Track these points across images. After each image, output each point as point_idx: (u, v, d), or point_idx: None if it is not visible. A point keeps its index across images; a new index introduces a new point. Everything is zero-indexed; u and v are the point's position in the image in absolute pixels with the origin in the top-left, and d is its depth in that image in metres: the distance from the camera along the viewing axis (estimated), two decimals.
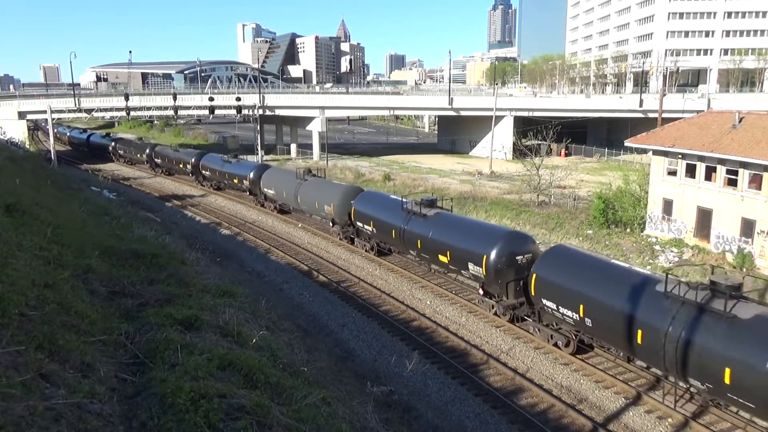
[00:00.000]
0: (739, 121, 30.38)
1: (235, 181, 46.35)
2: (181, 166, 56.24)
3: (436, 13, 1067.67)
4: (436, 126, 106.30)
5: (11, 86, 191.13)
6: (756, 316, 13.98)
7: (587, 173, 59.70)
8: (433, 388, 17.67)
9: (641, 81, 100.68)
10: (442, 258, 24.43)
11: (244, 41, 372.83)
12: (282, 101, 77.31)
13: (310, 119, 75.52)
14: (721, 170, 29.70)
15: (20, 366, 6.30)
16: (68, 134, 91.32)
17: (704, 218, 31.04)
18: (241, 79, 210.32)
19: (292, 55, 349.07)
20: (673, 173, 32.84)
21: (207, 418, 6.56)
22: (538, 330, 20.75)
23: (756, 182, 28.14)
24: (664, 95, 62.03)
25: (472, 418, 16.11)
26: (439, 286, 26.41)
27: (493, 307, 22.69)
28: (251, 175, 43.77)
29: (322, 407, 8.62)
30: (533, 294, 20.06)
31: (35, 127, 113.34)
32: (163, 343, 8.83)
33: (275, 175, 41.60)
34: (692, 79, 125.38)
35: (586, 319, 17.85)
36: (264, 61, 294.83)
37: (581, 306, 17.87)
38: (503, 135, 74.49)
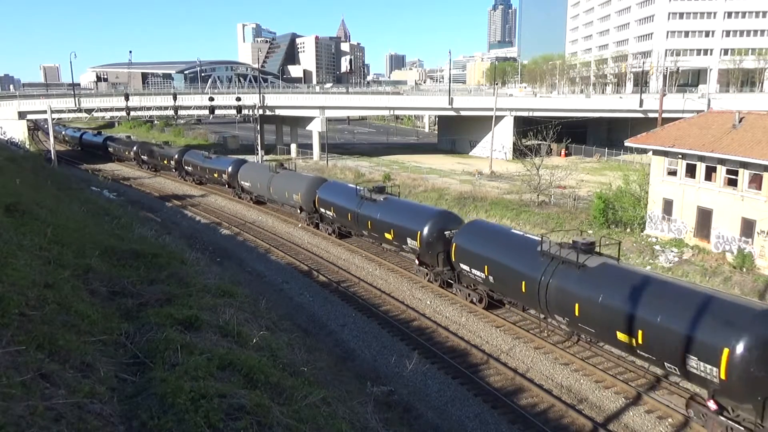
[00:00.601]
0: (739, 121, 30.38)
1: (215, 175, 49.73)
2: (165, 162, 59.44)
3: (436, 13, 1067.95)
4: (436, 126, 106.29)
5: (11, 86, 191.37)
6: (600, 264, 18.25)
7: (587, 173, 59.69)
8: (433, 388, 17.67)
9: (641, 81, 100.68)
10: (387, 235, 28.43)
11: (244, 41, 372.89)
12: (282, 101, 77.31)
13: (310, 119, 75.52)
14: (721, 170, 29.69)
15: (20, 366, 6.31)
16: (63, 132, 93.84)
17: (704, 218, 31.04)
18: (241, 79, 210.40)
19: (292, 55, 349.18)
20: (673, 173, 32.84)
21: (207, 418, 6.56)
22: (459, 290, 24.75)
23: (756, 182, 28.13)
24: (664, 95, 62.03)
25: (472, 418, 16.12)
26: (439, 286, 26.42)
27: (427, 275, 26.67)
28: (229, 169, 47.17)
29: (322, 407, 8.62)
30: (454, 260, 24.03)
31: (35, 127, 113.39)
32: (163, 343, 8.83)
33: (251, 169, 45.14)
34: (692, 79, 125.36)
35: (489, 277, 22.05)
36: (264, 61, 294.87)
37: (486, 266, 22.04)
38: (503, 135, 74.49)
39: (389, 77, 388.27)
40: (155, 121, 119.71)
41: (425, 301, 25.03)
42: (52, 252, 12.38)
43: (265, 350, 10.59)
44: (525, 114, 76.58)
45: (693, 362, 14.41)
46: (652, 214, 34.35)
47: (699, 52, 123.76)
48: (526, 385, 17.84)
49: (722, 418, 14.61)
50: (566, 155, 73.85)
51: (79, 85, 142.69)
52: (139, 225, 27.21)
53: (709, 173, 30.50)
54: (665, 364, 15.58)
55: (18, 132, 69.61)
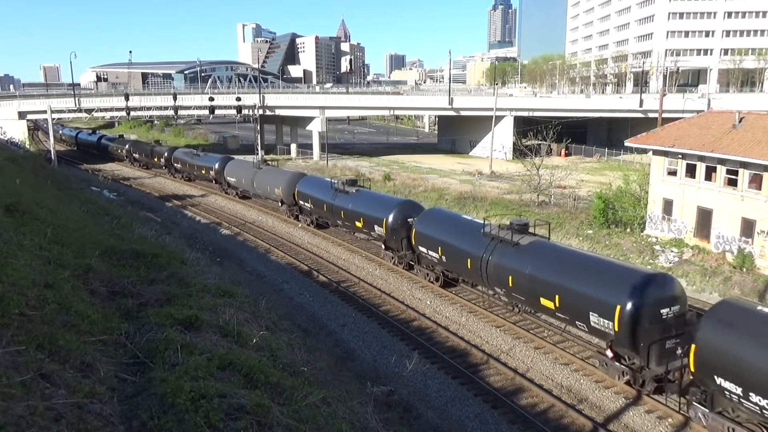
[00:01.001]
0: (739, 121, 30.37)
1: (203, 171, 52.22)
2: (156, 160, 61.71)
3: (436, 13, 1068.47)
4: (436, 126, 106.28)
5: (11, 86, 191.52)
6: (530, 242, 21.15)
7: (587, 173, 59.69)
8: (433, 388, 17.67)
9: (641, 81, 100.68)
10: (358, 224, 31.41)
11: (244, 41, 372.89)
12: (282, 101, 77.31)
13: (310, 119, 75.52)
14: (721, 170, 29.68)
15: (20, 366, 6.31)
16: (60, 131, 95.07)
17: (704, 218, 31.03)
18: (241, 79, 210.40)
19: (292, 55, 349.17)
20: (673, 173, 32.83)
21: (207, 418, 6.56)
22: (419, 270, 27.80)
23: (756, 182, 28.12)
24: (664, 95, 62.02)
25: (472, 418, 16.12)
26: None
27: (392, 258, 29.59)
28: (216, 166, 49.57)
29: (322, 407, 8.63)
30: (414, 243, 27.03)
31: (35, 127, 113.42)
32: (163, 343, 8.83)
33: (236, 166, 47.70)
34: (692, 79, 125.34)
35: (443, 257, 25.04)
36: (264, 61, 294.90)
37: (440, 248, 25.02)
38: (503, 135, 74.49)
39: (389, 77, 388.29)
40: (155, 121, 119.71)
41: (425, 301, 25.04)
42: (52, 252, 12.39)
43: (265, 350, 10.59)
44: (525, 114, 76.59)
45: (594, 318, 17.53)
46: (652, 214, 34.34)
47: (699, 52, 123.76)
48: (526, 385, 17.84)
49: (617, 364, 17.66)
50: (566, 155, 73.85)
51: (79, 85, 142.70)
52: (139, 225, 27.21)
53: (709, 173, 30.49)
54: (576, 322, 18.50)
55: (18, 132, 69.60)
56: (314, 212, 36.62)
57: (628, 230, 35.33)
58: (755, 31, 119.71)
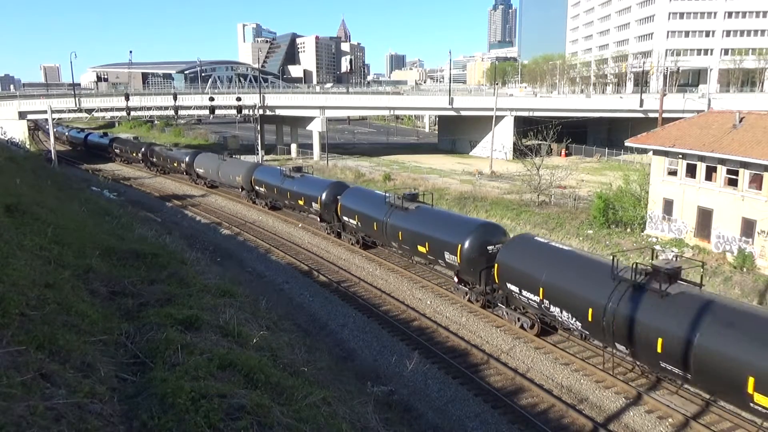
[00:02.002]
0: (740, 121, 30.37)
1: (175, 164, 58.41)
2: (134, 155, 68.17)
3: (436, 13, 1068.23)
4: (437, 126, 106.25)
5: (12, 86, 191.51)
6: (416, 207, 27.53)
7: (587, 173, 59.66)
8: (434, 388, 17.67)
9: (641, 81, 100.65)
10: (300, 202, 36.91)
11: (244, 41, 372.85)
12: (282, 101, 77.29)
13: (310, 119, 75.51)
14: (721, 170, 29.68)
15: (21, 366, 6.31)
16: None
17: (705, 218, 31.03)
18: (242, 79, 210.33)
19: (292, 55, 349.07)
20: (673, 173, 32.83)
21: (207, 418, 6.56)
22: (345, 236, 33.54)
23: (756, 182, 28.12)
24: (665, 95, 62.00)
25: (473, 418, 16.12)
26: (439, 286, 26.43)
27: (326, 228, 35.21)
28: (186, 159, 55.75)
29: (322, 407, 8.62)
30: (339, 214, 32.97)
31: (35, 127, 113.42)
32: (164, 343, 8.83)
33: (204, 158, 53.73)
34: (692, 79, 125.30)
35: (359, 223, 30.73)
36: (264, 61, 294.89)
37: (356, 216, 31.12)
38: (503, 135, 74.46)
39: (389, 77, 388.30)
40: (155, 121, 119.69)
41: (425, 301, 25.03)
42: (52, 252, 12.38)
43: (265, 350, 10.59)
44: (525, 114, 76.57)
45: (447, 256, 23.96)
46: (653, 214, 34.34)
47: (699, 52, 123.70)
48: (526, 385, 17.84)
49: (461, 287, 24.58)
50: (566, 155, 73.82)
51: (79, 85, 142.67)
52: (139, 225, 27.22)
53: (710, 173, 30.49)
54: (438, 260, 24.92)
55: (18, 132, 69.59)
56: (267, 195, 42.01)
57: (629, 230, 35.33)
58: (755, 31, 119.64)
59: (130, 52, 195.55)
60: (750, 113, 31.47)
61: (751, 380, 13.27)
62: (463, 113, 77.76)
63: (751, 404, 13.61)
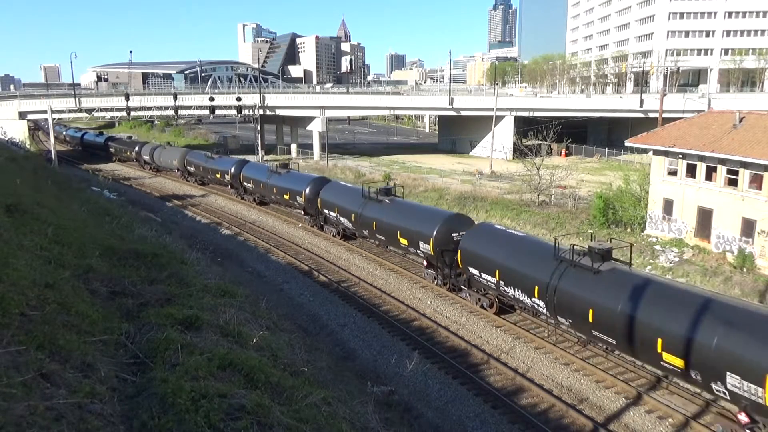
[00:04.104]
0: (740, 121, 30.36)
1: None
2: (128, 154, 70.40)
3: (437, 13, 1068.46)
4: (437, 126, 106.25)
5: (12, 86, 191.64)
6: (390, 199, 30.03)
7: (588, 173, 59.64)
8: (434, 388, 17.67)
9: (641, 81, 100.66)
10: (285, 197, 39.40)
11: (244, 41, 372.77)
12: (282, 101, 77.30)
13: (310, 119, 75.52)
14: (721, 170, 29.68)
15: (21, 366, 6.31)
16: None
17: (705, 218, 31.03)
18: (242, 79, 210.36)
19: (292, 55, 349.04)
20: (673, 173, 32.83)
21: (207, 418, 6.55)
22: (328, 229, 35.92)
23: (756, 182, 28.12)
24: (665, 95, 62.02)
25: (473, 418, 16.12)
26: (439, 286, 26.42)
27: (310, 222, 37.80)
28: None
29: (322, 407, 8.62)
30: (320, 208, 35.53)
31: (36, 127, 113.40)
32: (164, 343, 8.82)
33: (194, 156, 57.39)
34: (692, 79, 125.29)
35: (339, 216, 33.34)
36: (264, 61, 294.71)
37: (336, 209, 33.57)
38: (504, 135, 74.46)
39: (389, 77, 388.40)
40: (156, 121, 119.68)
41: (425, 301, 25.03)
42: (52, 252, 12.38)
43: (265, 350, 10.58)
44: (525, 114, 76.57)
45: (422, 245, 25.99)
46: (653, 214, 34.34)
47: (699, 52, 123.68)
48: (526, 385, 17.84)
49: (431, 271, 26.53)
50: (566, 155, 73.82)
51: (79, 85, 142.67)
52: (139, 225, 27.20)
53: (710, 173, 30.49)
54: (415, 250, 26.83)
55: (18, 132, 69.61)
56: (256, 191, 45.36)
57: (629, 230, 35.33)
58: (755, 31, 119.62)
59: (130, 52, 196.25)
60: (750, 113, 31.47)
61: (659, 341, 15.42)
62: (463, 113, 77.77)
63: (661, 362, 15.69)
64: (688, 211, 32.00)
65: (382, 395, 14.99)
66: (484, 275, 22.35)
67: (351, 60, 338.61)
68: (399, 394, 16.29)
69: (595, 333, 17.80)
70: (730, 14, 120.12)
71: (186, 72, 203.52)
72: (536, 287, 19.64)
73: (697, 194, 31.32)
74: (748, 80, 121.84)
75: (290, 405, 8.00)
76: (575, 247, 18.98)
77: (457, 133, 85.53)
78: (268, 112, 74.32)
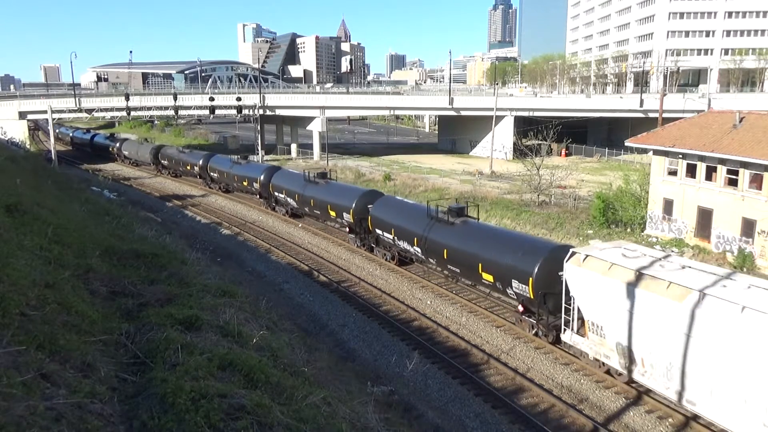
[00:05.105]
0: (740, 121, 30.37)
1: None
2: (111, 150, 74.27)
3: (437, 13, 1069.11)
4: (437, 126, 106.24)
5: (12, 86, 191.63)
6: (326, 182, 36.24)
7: (588, 173, 59.66)
8: (434, 388, 17.67)
9: (642, 81, 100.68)
10: (244, 183, 44.78)
11: (244, 41, 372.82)
12: (282, 101, 77.30)
13: (310, 119, 75.51)
14: (721, 170, 29.68)
15: (21, 366, 6.31)
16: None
17: (705, 218, 31.03)
18: (242, 79, 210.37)
19: (292, 55, 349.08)
20: (673, 173, 32.83)
21: (207, 418, 6.55)
22: (278, 209, 42.03)
23: (757, 182, 28.13)
24: (665, 95, 62.02)
25: (473, 418, 16.12)
26: (439, 286, 26.43)
27: (264, 204, 43.55)
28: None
29: (322, 407, 8.62)
30: (272, 191, 41.34)
31: (36, 127, 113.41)
32: (164, 343, 8.81)
33: (167, 150, 62.61)
34: (693, 79, 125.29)
35: (287, 198, 39.13)
36: (264, 61, 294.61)
37: (284, 191, 39.62)
38: (504, 135, 74.46)
39: (389, 77, 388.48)
40: (156, 121, 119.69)
41: (425, 301, 25.03)
42: (52, 252, 12.37)
43: (265, 350, 10.57)
44: (525, 114, 76.56)
45: (344, 216, 32.07)
46: (653, 214, 34.34)
47: (699, 52, 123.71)
48: (526, 385, 17.84)
49: (352, 235, 32.61)
50: (566, 155, 73.82)
51: (79, 85, 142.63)
52: (139, 225, 27.20)
53: (710, 173, 30.49)
54: (341, 220, 32.65)
55: (18, 132, 69.58)
56: (222, 180, 50.19)
57: (629, 230, 35.34)
58: (756, 31, 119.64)
59: (130, 52, 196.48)
60: (750, 113, 31.48)
61: (480, 265, 22.11)
62: (463, 113, 77.77)
63: (482, 280, 22.49)
64: (688, 211, 32.00)
65: (382, 395, 14.98)
66: (385, 234, 28.85)
67: (351, 60, 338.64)
68: (399, 394, 16.28)
69: (448, 266, 24.55)
70: (730, 14, 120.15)
71: (186, 72, 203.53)
72: (415, 238, 26.18)
73: (697, 194, 31.32)
74: (748, 80, 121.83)
75: (290, 405, 7.99)
76: (440, 208, 25.92)
77: (457, 133, 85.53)
78: (268, 112, 74.32)
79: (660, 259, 16.89)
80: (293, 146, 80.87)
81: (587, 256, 17.64)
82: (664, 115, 52.82)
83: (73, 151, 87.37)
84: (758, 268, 27.70)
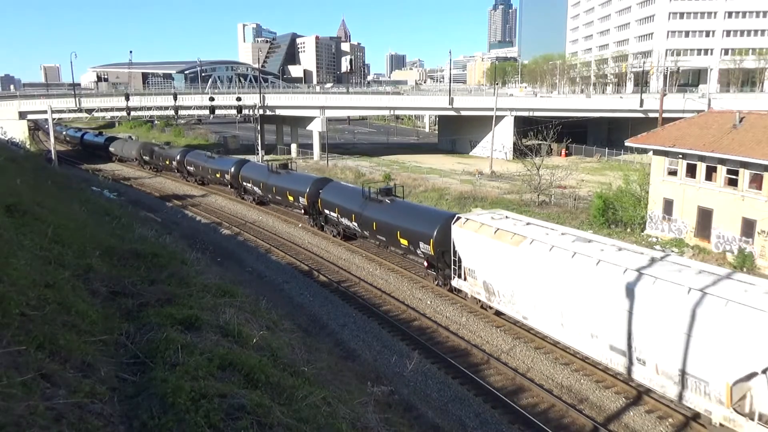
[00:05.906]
0: (740, 121, 30.37)
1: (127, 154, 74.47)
2: (99, 147, 76.76)
3: (437, 13, 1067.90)
4: (437, 126, 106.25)
5: (12, 86, 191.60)
6: (286, 172, 41.85)
7: (588, 173, 59.66)
8: (434, 388, 17.67)
9: (642, 81, 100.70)
10: (218, 175, 49.72)
11: (244, 41, 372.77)
12: (282, 101, 77.30)
13: (310, 119, 75.52)
14: (721, 170, 29.68)
15: (21, 366, 6.30)
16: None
17: (705, 218, 31.03)
18: (242, 79, 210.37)
19: (292, 55, 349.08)
20: (673, 173, 32.83)
21: (207, 418, 6.55)
22: (246, 198, 46.75)
23: (756, 182, 28.13)
24: (665, 95, 62.00)
25: (473, 418, 16.12)
26: (439, 286, 26.42)
27: (235, 194, 48.25)
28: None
29: (322, 407, 8.61)
30: (240, 182, 46.32)
31: (36, 127, 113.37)
32: (164, 343, 8.81)
33: (150, 147, 66.68)
34: (693, 79, 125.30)
35: (254, 187, 43.85)
36: (264, 61, 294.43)
37: (251, 181, 44.66)
38: (504, 135, 74.47)
39: (389, 77, 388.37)
40: (156, 121, 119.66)
41: (425, 301, 25.04)
42: (52, 252, 12.37)
43: (265, 350, 10.57)
44: (525, 114, 76.57)
45: (300, 200, 36.87)
46: (653, 214, 34.34)
47: (699, 52, 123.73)
48: (526, 385, 17.84)
49: (306, 216, 37.28)
50: (566, 155, 73.83)
51: (79, 85, 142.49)
52: (139, 225, 27.19)
53: (710, 173, 30.49)
54: (299, 204, 37.58)
55: (18, 132, 69.58)
56: (199, 173, 54.23)
57: (629, 230, 35.33)
58: (756, 31, 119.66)
59: (130, 52, 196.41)
60: (750, 113, 31.48)
61: (398, 232, 27.14)
62: (463, 113, 77.77)
63: (400, 245, 27.44)
64: (688, 211, 32.00)
65: (382, 395, 14.97)
66: (332, 213, 33.65)
67: (351, 60, 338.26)
68: (399, 394, 16.27)
69: (377, 236, 29.17)
70: (730, 14, 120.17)
71: (186, 72, 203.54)
72: (353, 215, 30.80)
73: (697, 194, 31.32)
74: (748, 80, 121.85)
75: (290, 405, 7.99)
76: (371, 189, 30.94)
77: (457, 133, 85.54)
78: (268, 112, 74.33)
79: (520, 221, 22.47)
80: (293, 146, 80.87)
81: (467, 219, 23.30)
82: (664, 115, 52.81)
83: (66, 148, 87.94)
84: (758, 268, 27.70)
